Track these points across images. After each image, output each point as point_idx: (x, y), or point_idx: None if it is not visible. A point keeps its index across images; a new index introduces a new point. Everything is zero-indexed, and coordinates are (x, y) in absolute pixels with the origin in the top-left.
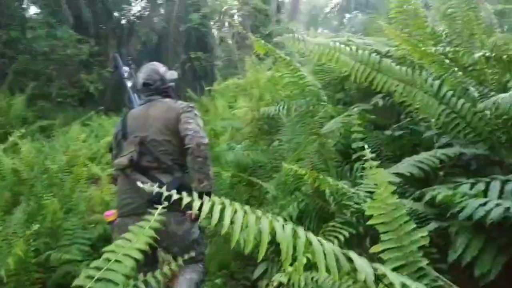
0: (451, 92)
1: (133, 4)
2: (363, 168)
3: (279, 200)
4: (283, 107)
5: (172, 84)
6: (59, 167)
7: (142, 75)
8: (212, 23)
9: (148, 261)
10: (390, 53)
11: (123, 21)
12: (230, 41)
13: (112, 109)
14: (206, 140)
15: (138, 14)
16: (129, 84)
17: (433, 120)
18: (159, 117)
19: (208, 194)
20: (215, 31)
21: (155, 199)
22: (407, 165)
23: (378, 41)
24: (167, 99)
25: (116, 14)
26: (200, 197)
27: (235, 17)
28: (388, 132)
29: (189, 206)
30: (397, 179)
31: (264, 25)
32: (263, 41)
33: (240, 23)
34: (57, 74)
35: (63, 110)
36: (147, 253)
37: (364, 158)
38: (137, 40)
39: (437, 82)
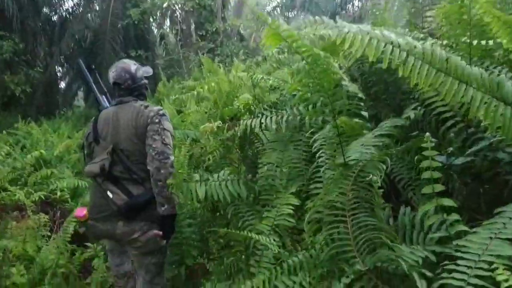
0: None
1: None
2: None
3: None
4: (271, 118)
5: (144, 81)
6: None
7: (111, 74)
8: (151, 20)
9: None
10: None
11: (54, 17)
12: (172, 39)
13: (44, 113)
14: (169, 161)
15: (71, 10)
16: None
17: None
18: (128, 124)
19: (172, 216)
20: (155, 29)
21: (124, 210)
22: None
23: (397, 33)
24: (138, 103)
25: (45, 10)
26: (164, 220)
27: (177, 13)
28: (441, 158)
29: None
30: None
31: (209, 21)
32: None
33: (183, 20)
34: None
35: None
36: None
37: None
38: (71, 37)
39: None
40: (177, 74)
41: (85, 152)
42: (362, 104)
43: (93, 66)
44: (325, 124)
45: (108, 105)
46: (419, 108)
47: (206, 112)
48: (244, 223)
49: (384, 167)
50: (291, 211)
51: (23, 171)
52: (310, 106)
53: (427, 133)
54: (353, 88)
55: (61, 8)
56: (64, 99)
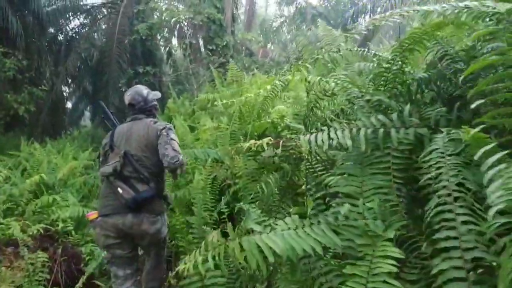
0: None
1: (71, 18)
2: None
3: None
4: (342, 132)
5: (154, 103)
6: None
7: (127, 97)
8: (159, 36)
9: (133, 260)
10: None
11: (60, 37)
12: (181, 55)
13: (50, 134)
14: (181, 161)
15: (77, 29)
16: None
17: None
18: (140, 135)
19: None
20: (162, 45)
21: (131, 203)
22: None
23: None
24: (149, 119)
25: (51, 29)
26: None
27: (185, 28)
28: None
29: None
30: None
31: (219, 36)
32: None
33: (192, 35)
34: None
35: None
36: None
37: None
38: (77, 56)
39: None
40: (186, 90)
41: (101, 159)
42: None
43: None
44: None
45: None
46: None
47: (226, 129)
48: (321, 286)
49: None
50: (394, 269)
51: (21, 198)
52: (395, 115)
53: None
54: None
55: (67, 27)
56: (70, 119)
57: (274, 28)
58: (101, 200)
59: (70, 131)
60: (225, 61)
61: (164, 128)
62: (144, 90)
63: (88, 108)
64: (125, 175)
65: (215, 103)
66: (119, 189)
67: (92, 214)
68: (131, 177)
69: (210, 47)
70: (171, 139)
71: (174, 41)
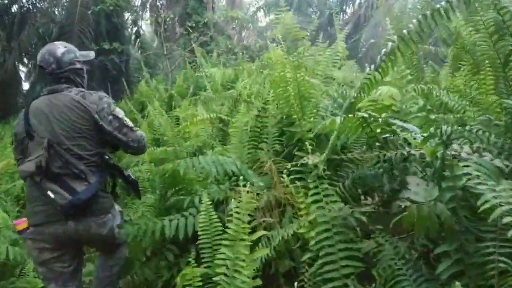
0: None
1: None
2: None
3: None
4: None
5: (73, 66)
6: None
7: (37, 57)
8: (127, 14)
9: (76, 274)
10: None
11: (14, 8)
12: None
13: (1, 114)
14: (143, 141)
15: (34, 1)
16: None
17: None
18: (66, 117)
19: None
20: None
21: (68, 210)
22: None
23: None
24: (73, 91)
25: None
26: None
27: (159, 2)
28: None
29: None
30: None
31: (198, 13)
32: None
33: (166, 10)
34: None
35: None
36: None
37: None
38: (33, 31)
39: None
40: (157, 73)
41: (17, 150)
42: None
43: None
44: None
45: None
46: None
47: (246, 128)
48: None
49: None
50: None
51: None
52: None
53: None
54: None
55: None
56: (26, 101)
57: (251, 13)
58: (28, 205)
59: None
60: (206, 40)
61: (103, 108)
62: (59, 48)
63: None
64: (54, 172)
65: (206, 87)
66: (49, 192)
67: (21, 223)
68: (62, 173)
69: (190, 24)
70: (120, 118)
71: (145, 18)
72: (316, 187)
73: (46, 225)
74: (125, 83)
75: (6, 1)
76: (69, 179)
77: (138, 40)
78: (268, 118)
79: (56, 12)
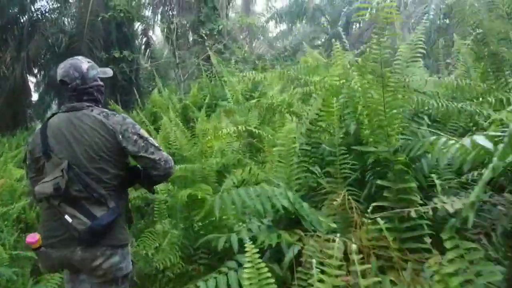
0: None
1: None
2: None
3: None
4: None
5: (97, 83)
6: None
7: (58, 71)
8: (137, 23)
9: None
10: None
11: (23, 18)
12: (161, 44)
13: (8, 126)
14: (172, 162)
15: (42, 9)
16: None
17: None
18: (85, 137)
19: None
20: (139, 29)
21: (86, 236)
22: None
23: None
24: (95, 111)
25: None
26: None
27: (170, 11)
28: None
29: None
30: None
31: (211, 21)
32: None
33: (177, 16)
34: None
35: None
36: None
37: None
38: (42, 41)
39: None
40: (169, 82)
41: (32, 170)
42: None
43: None
44: None
45: None
46: None
47: (294, 145)
48: None
49: None
50: None
51: None
52: None
53: None
54: None
55: (31, 6)
56: (36, 112)
57: (261, 24)
58: (43, 226)
59: (34, 125)
60: (220, 47)
61: (127, 128)
62: (83, 63)
63: (56, 100)
64: (72, 195)
65: (227, 97)
66: (67, 216)
67: (34, 240)
68: (81, 197)
69: (204, 32)
70: (146, 138)
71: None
72: (456, 246)
73: (56, 248)
74: (136, 93)
75: (15, 11)
76: (88, 203)
77: (148, 50)
78: (323, 133)
79: (66, 22)
